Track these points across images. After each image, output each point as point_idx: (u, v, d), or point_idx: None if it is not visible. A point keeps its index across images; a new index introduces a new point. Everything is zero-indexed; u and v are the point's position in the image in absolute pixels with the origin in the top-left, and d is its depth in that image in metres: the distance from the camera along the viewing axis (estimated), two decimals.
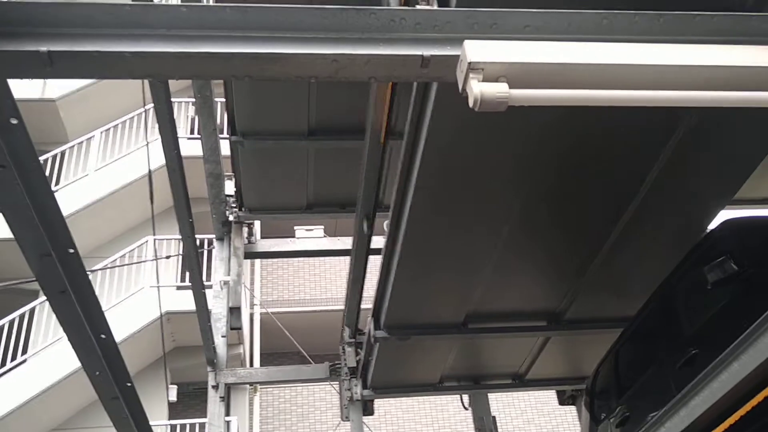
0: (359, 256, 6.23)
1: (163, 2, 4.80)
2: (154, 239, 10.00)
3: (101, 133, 13.99)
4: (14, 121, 2.84)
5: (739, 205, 8.83)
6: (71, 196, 12.73)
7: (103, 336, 3.94)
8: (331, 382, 8.19)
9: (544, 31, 2.33)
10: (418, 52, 2.22)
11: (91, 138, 13.90)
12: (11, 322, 12.05)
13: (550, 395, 15.51)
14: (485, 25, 2.32)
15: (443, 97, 3.66)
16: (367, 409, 7.72)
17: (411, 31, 2.29)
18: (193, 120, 14.10)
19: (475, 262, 5.23)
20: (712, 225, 5.41)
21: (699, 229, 5.49)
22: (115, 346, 4.11)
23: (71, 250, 3.36)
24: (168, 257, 8.63)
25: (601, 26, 2.35)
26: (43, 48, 2.06)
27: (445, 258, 5.13)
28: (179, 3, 3.12)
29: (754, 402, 3.80)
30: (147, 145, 6.33)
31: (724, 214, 9.01)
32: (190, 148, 10.20)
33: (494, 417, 8.62)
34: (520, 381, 7.58)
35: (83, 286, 3.54)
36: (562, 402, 8.35)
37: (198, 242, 6.79)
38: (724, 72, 2.05)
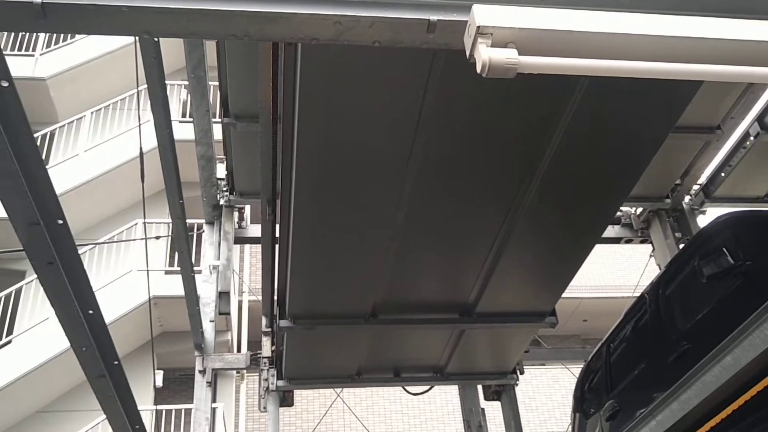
0: (266, 243, 6.06)
1: None
2: (144, 222, 9.90)
3: (92, 113, 13.84)
4: (5, 84, 2.77)
5: (732, 203, 8.88)
6: (60, 176, 12.58)
7: (90, 311, 3.87)
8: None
9: (553, 3, 2.28)
10: (424, 16, 2.16)
11: (81, 118, 13.74)
12: None
13: (538, 387, 15.58)
14: None
15: (310, 78, 3.56)
16: (286, 400, 7.62)
17: None
18: (185, 104, 13.98)
19: (371, 249, 5.07)
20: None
21: (601, 223, 5.39)
22: (103, 322, 4.04)
23: (60, 221, 3.29)
24: (158, 238, 8.52)
25: None
26: None
27: (339, 244, 4.98)
28: None
29: (746, 396, 3.78)
30: (139, 126, 6.23)
31: (713, 213, 9.08)
32: (182, 132, 10.08)
33: (483, 409, 8.59)
34: (441, 374, 7.43)
35: (72, 259, 3.47)
36: (487, 397, 8.26)
37: (188, 226, 6.71)
38: (733, 46, 2.01)
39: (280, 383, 7.31)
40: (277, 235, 5.61)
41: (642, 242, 9.24)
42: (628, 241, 9.39)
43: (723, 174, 8.47)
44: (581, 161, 4.55)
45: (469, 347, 6.91)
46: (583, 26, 2.00)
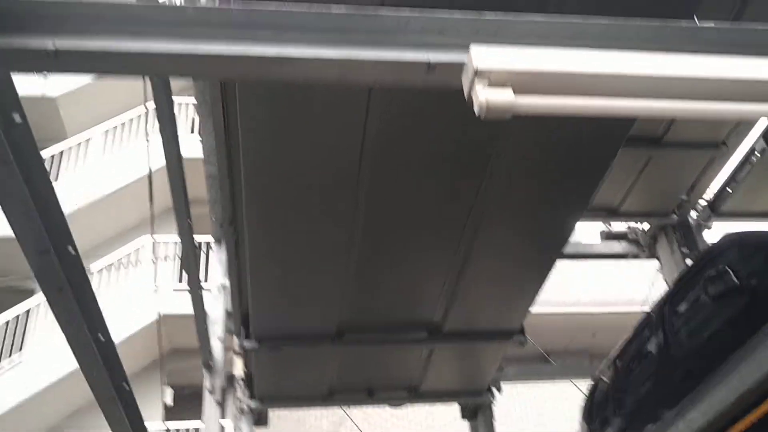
0: (231, 263, 6.03)
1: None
2: (153, 240, 9.97)
3: (101, 132, 13.98)
4: (18, 120, 2.85)
5: (739, 219, 8.90)
6: (69, 194, 12.69)
7: (101, 336, 3.93)
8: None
9: (550, 38, 2.33)
10: (424, 58, 2.22)
11: (90, 137, 13.89)
12: (6, 323, 12.02)
13: (547, 407, 15.51)
14: (490, 31, 2.32)
15: (248, 104, 3.63)
16: (261, 420, 7.57)
17: (417, 34, 2.29)
18: (193, 120, 14.10)
19: (329, 270, 5.09)
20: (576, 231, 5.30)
21: (562, 237, 5.36)
22: (113, 346, 4.10)
23: (71, 248, 3.35)
24: (165, 258, 8.60)
25: (607, 33, 2.35)
26: (49, 43, 2.06)
27: (297, 267, 5.01)
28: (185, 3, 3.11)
29: (752, 417, 3.80)
30: (147, 145, 6.30)
31: (720, 228, 9.09)
32: (191, 149, 10.18)
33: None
34: (415, 394, 7.36)
35: (82, 285, 3.53)
36: (464, 416, 8.18)
37: (196, 244, 6.76)
38: (729, 84, 2.05)
39: (253, 404, 7.29)
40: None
41: (649, 258, 9.26)
42: (635, 257, 9.42)
43: (729, 190, 8.49)
44: (532, 176, 4.58)
45: (440, 366, 6.91)
46: (580, 67, 2.05)
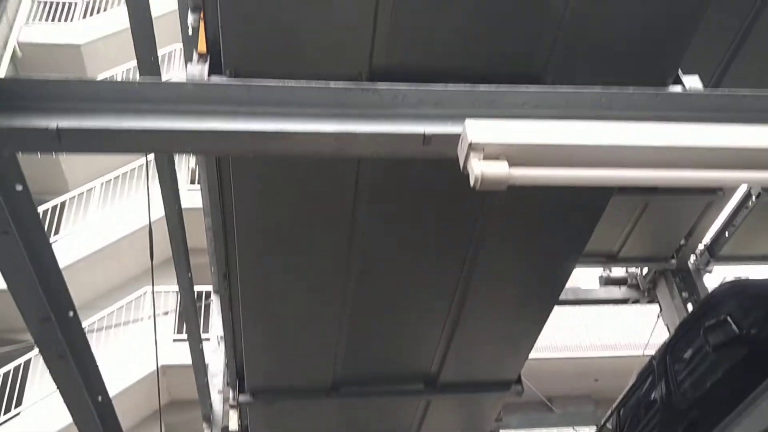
0: (225, 315, 5.90)
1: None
2: (153, 291, 9.96)
3: (101, 183, 14.06)
4: (19, 188, 2.89)
5: (737, 262, 8.92)
6: (70, 246, 12.73)
7: (100, 398, 3.92)
8: None
9: (543, 108, 2.39)
10: (420, 130, 2.26)
11: (91, 188, 13.97)
12: (5, 374, 11.93)
13: None
14: (484, 102, 2.37)
15: (241, 169, 3.70)
16: None
17: (413, 107, 2.34)
18: (194, 171, 14.19)
19: (322, 322, 5.08)
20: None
21: (556, 286, 5.32)
22: (111, 407, 4.08)
23: (71, 314, 3.36)
24: (166, 313, 8.60)
25: (599, 103, 2.41)
26: (53, 124, 2.10)
27: (290, 320, 5.00)
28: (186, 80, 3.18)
29: None
30: (148, 198, 6.36)
31: (719, 272, 9.09)
32: (191, 198, 10.23)
33: None
34: None
35: (82, 349, 3.53)
36: None
37: (196, 294, 6.76)
38: (721, 153, 2.09)
39: None
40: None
41: (649, 303, 9.26)
42: (636, 302, 9.41)
43: (727, 234, 8.52)
44: (523, 228, 4.61)
45: (438, 417, 6.79)
46: (573, 138, 2.09)
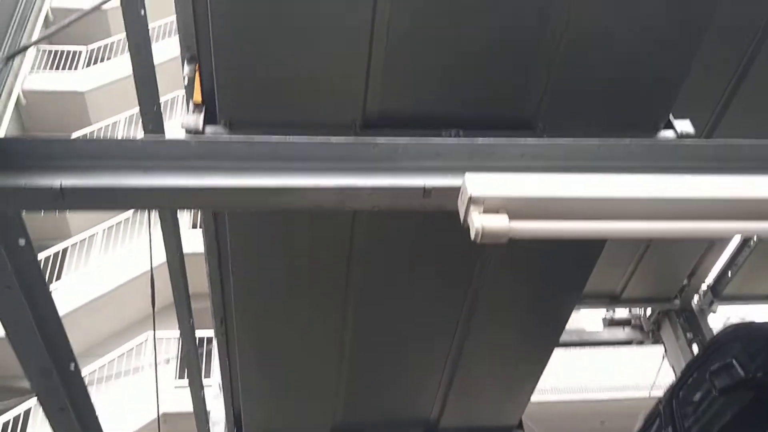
0: (223, 361, 5.82)
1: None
2: (155, 338, 9.92)
3: (103, 229, 14.10)
4: (22, 242, 2.90)
5: (741, 302, 8.88)
6: (72, 292, 12.71)
7: None
8: None
9: (541, 159, 2.41)
10: (420, 183, 2.28)
11: (93, 234, 14.00)
12: (5, 424, 11.80)
13: None
14: (484, 154, 2.39)
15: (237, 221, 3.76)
16: None
17: (413, 160, 2.36)
18: (195, 214, 14.23)
19: (320, 369, 5.09)
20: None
21: (556, 328, 5.30)
22: None
23: (72, 367, 3.35)
24: (168, 361, 8.56)
25: (597, 153, 2.43)
26: (56, 183, 2.12)
27: (287, 366, 5.03)
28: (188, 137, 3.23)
29: None
30: (150, 245, 6.38)
31: (723, 312, 9.03)
32: (194, 242, 10.25)
33: None
34: None
35: (83, 403, 3.51)
36: None
37: (198, 340, 6.73)
38: (721, 203, 2.10)
39: None
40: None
41: (654, 344, 9.17)
42: (640, 343, 9.32)
43: (729, 274, 8.48)
44: (521, 271, 4.61)
45: None
46: (572, 191, 2.10)
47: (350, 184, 2.25)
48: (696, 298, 8.84)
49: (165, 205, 2.19)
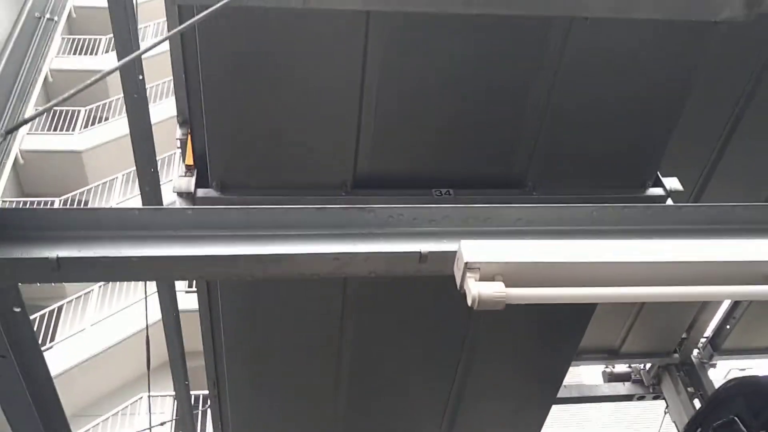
0: (215, 423, 5.82)
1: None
2: (149, 396, 9.77)
3: (99, 286, 14.03)
4: (17, 309, 2.89)
5: (741, 356, 8.81)
6: (67, 351, 12.57)
7: None
8: None
9: (536, 224, 2.43)
10: (416, 248, 2.29)
11: (89, 292, 13.92)
12: None
13: None
14: (479, 219, 2.41)
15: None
16: None
17: (408, 225, 2.38)
18: None
19: (315, 429, 5.12)
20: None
21: (553, 384, 5.32)
22: None
23: None
24: (162, 423, 8.46)
25: (591, 217, 2.45)
26: (53, 254, 2.12)
27: (281, 426, 5.05)
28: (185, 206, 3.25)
29: None
30: (146, 303, 6.36)
31: (723, 365, 8.94)
32: (190, 300, 10.19)
33: None
34: None
35: None
36: None
37: (194, 399, 6.65)
38: (714, 267, 2.11)
39: None
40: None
41: (655, 398, 9.07)
42: (641, 398, 9.21)
43: (728, 327, 8.44)
44: (515, 332, 4.61)
45: None
46: (566, 257, 2.11)
47: (347, 250, 2.25)
48: (695, 351, 8.78)
49: (162, 276, 2.19)
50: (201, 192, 3.64)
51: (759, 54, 4.46)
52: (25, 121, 2.20)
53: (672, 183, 3.87)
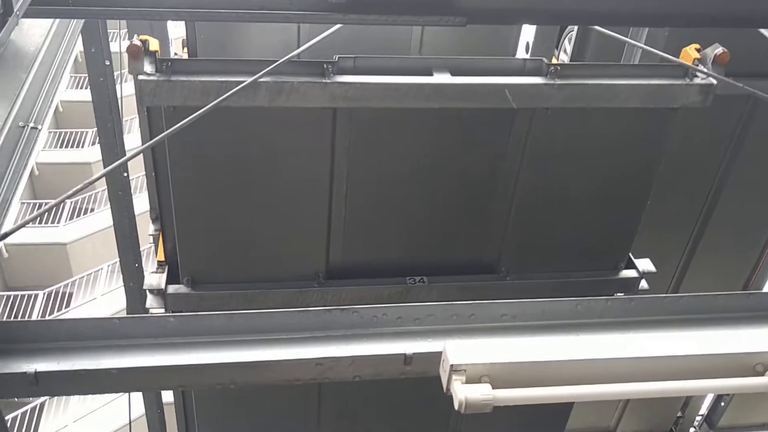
0: None
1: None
2: None
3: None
4: None
5: None
6: None
7: None
8: None
9: (521, 319, 2.41)
10: (401, 350, 2.26)
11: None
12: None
13: None
14: (464, 317, 2.39)
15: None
16: None
17: (393, 325, 2.36)
18: None
19: None
20: None
21: None
22: None
23: None
24: None
25: (575, 311, 2.44)
26: (31, 368, 2.07)
27: None
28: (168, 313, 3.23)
29: None
30: (129, 405, 6.23)
31: None
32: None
33: None
34: None
35: None
36: None
37: None
38: (702, 360, 2.10)
39: None
40: None
41: None
42: None
43: (723, 403, 8.35)
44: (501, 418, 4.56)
45: None
46: (553, 355, 2.09)
47: (330, 354, 2.22)
48: (692, 430, 8.65)
49: (140, 387, 2.15)
50: (171, 288, 3.64)
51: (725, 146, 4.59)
52: (6, 235, 2.20)
53: (644, 264, 3.91)
